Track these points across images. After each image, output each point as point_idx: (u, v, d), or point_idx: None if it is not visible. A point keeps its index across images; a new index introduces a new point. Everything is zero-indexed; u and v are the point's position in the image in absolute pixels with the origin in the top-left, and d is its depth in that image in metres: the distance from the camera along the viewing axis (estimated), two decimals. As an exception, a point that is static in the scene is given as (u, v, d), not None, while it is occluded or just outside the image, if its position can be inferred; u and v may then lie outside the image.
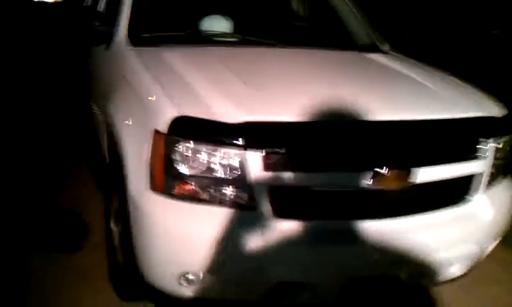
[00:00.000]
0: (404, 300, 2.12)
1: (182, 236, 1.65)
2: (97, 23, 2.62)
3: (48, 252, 2.45)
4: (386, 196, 1.74)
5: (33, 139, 4.04)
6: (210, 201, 1.65)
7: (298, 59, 2.46)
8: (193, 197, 1.65)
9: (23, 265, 2.34)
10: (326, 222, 1.71)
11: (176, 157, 1.62)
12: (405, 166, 1.73)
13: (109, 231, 2.24)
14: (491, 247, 2.03)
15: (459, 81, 2.34)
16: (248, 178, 1.61)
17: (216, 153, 1.61)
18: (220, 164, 1.62)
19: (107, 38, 2.56)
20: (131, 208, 1.77)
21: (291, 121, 1.68)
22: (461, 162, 1.87)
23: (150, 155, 1.69)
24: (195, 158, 1.62)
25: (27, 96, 5.15)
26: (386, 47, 2.87)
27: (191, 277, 1.66)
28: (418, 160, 1.75)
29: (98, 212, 2.53)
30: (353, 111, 1.74)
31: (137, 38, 2.41)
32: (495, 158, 1.95)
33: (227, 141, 1.61)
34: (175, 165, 1.63)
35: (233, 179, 1.63)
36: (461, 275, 2.02)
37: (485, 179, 1.93)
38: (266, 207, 1.63)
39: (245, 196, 1.63)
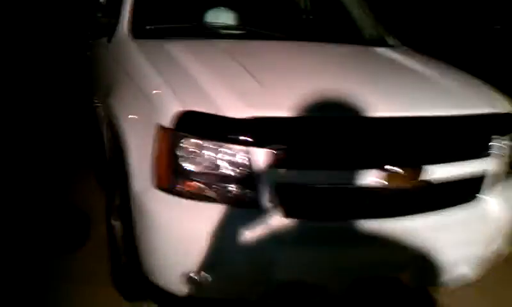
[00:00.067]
0: (412, 302, 2.08)
1: (186, 235, 1.61)
2: (99, 15, 2.58)
3: (50, 250, 2.42)
4: (395, 194, 1.70)
5: (35, 134, 4.01)
6: (215, 199, 1.61)
7: (306, 52, 2.41)
8: (198, 195, 1.61)
9: (24, 263, 2.32)
10: (333, 222, 1.67)
11: (181, 153, 1.58)
12: (416, 164, 1.69)
13: (110, 229, 2.20)
14: (507, 249, 1.99)
15: (469, 77, 2.29)
16: (254, 175, 1.57)
17: (221, 149, 1.58)
18: (226, 160, 1.58)
19: (110, 30, 2.52)
20: (134, 206, 1.73)
21: (299, 117, 1.64)
22: (473, 160, 1.83)
23: (153, 151, 1.65)
24: (200, 154, 1.58)
25: (28, 90, 5.11)
26: (393, 41, 2.82)
27: (194, 276, 1.62)
28: (430, 157, 1.72)
29: (101, 208, 2.49)
30: (363, 107, 1.70)
31: (140, 31, 2.37)
32: (509, 156, 1.91)
33: (233, 137, 1.57)
34: (180, 162, 1.59)
35: (239, 176, 1.59)
36: (476, 278, 1.98)
37: (497, 177, 1.89)
38: (273, 205, 1.59)
39: (251, 193, 1.60)
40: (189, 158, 1.58)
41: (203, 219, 1.59)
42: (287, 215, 1.60)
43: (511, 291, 2.40)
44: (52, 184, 3.16)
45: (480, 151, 1.86)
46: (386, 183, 1.64)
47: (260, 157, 1.56)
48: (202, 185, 1.60)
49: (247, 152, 1.56)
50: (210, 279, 1.61)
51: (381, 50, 2.63)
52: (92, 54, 3.11)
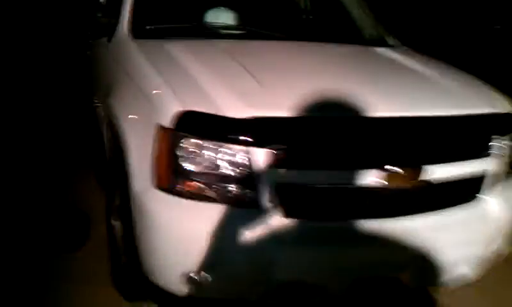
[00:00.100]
0: (412, 302, 2.08)
1: (186, 235, 1.61)
2: (99, 15, 2.57)
3: (50, 250, 2.42)
4: (395, 194, 1.70)
5: (35, 134, 4.00)
6: (216, 199, 1.60)
7: (306, 52, 2.41)
8: (198, 195, 1.60)
9: (24, 263, 2.31)
10: (333, 222, 1.67)
11: (181, 153, 1.58)
12: (416, 164, 1.69)
13: (110, 229, 2.19)
14: (507, 249, 1.99)
15: (469, 77, 2.29)
16: (254, 175, 1.57)
17: (221, 149, 1.57)
18: (226, 160, 1.58)
19: (110, 30, 2.51)
20: (134, 206, 1.72)
21: (299, 117, 1.63)
22: (473, 160, 1.83)
23: (153, 151, 1.64)
24: (200, 154, 1.58)
25: (28, 90, 5.10)
26: (393, 41, 2.82)
27: (194, 276, 1.62)
28: (430, 157, 1.71)
29: (101, 208, 2.48)
30: (363, 107, 1.69)
31: (140, 30, 2.36)
32: (509, 156, 1.91)
33: (233, 137, 1.56)
34: (180, 162, 1.58)
35: (239, 176, 1.59)
36: (476, 278, 1.98)
37: (497, 177, 1.89)
38: (273, 205, 1.59)
39: (251, 193, 1.59)
40: (189, 158, 1.58)
41: (203, 219, 1.58)
42: (287, 215, 1.60)
43: (511, 291, 2.40)
44: (52, 184, 3.16)
45: (480, 151, 1.85)
46: (386, 183, 1.64)
47: (260, 157, 1.55)
48: (202, 185, 1.59)
49: (247, 152, 1.56)
50: (210, 279, 1.61)
51: (381, 50, 2.62)
52: (92, 53, 3.10)
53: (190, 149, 1.58)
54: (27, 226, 2.62)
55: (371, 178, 1.63)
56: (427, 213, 1.75)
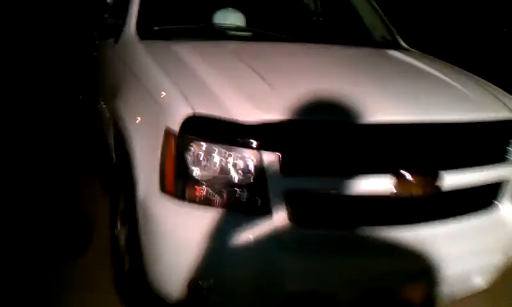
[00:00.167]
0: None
1: (193, 242, 1.55)
2: (106, 16, 2.54)
3: (53, 256, 2.38)
4: (410, 201, 1.65)
5: (37, 136, 3.98)
6: (224, 205, 1.56)
7: (316, 55, 2.36)
8: (206, 201, 1.56)
9: (26, 269, 2.28)
10: (345, 230, 1.62)
11: (189, 157, 1.54)
12: (432, 170, 1.64)
13: (114, 234, 2.16)
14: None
15: (483, 81, 2.25)
16: (264, 181, 1.52)
17: (231, 154, 1.53)
18: (235, 165, 1.53)
19: (116, 30, 2.49)
20: (139, 211, 1.68)
21: (311, 121, 1.59)
22: (490, 166, 1.78)
23: (160, 155, 1.60)
24: (209, 158, 1.54)
25: (34, 91, 5.10)
26: (405, 44, 2.78)
27: (201, 285, 1.57)
28: (446, 163, 1.67)
29: (105, 213, 2.44)
30: (378, 111, 1.65)
31: (147, 31, 2.33)
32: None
33: (243, 142, 1.52)
34: (188, 167, 1.54)
35: (249, 182, 1.54)
36: (487, 286, 1.92)
37: (515, 184, 1.84)
38: (282, 213, 1.54)
39: (260, 200, 1.55)
40: (197, 162, 1.54)
41: (211, 226, 1.53)
42: (298, 222, 1.56)
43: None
44: (55, 187, 3.13)
45: (497, 156, 1.82)
46: (401, 190, 1.59)
47: (271, 161, 1.51)
48: (211, 191, 1.55)
49: (258, 157, 1.51)
50: (218, 288, 1.56)
51: (393, 52, 2.58)
52: (99, 54, 3.08)
53: (199, 154, 1.53)
54: (30, 231, 2.59)
55: (385, 184, 1.59)
56: (441, 221, 1.71)
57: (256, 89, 1.72)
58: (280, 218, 1.54)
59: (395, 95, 1.83)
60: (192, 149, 1.53)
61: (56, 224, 2.67)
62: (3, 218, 2.65)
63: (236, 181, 1.54)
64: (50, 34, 6.00)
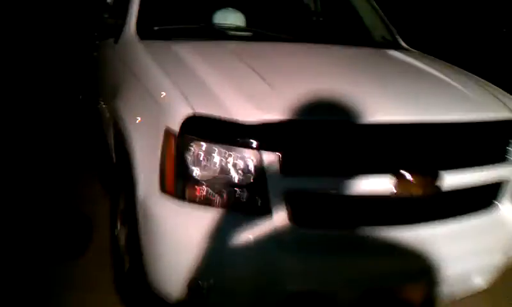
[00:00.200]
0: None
1: (192, 242, 1.55)
2: (106, 16, 2.54)
3: (53, 256, 2.38)
4: (410, 201, 1.64)
5: (37, 136, 3.98)
6: (224, 205, 1.56)
7: (316, 55, 2.35)
8: (206, 201, 1.56)
9: (26, 269, 2.28)
10: (345, 230, 1.62)
11: (189, 157, 1.53)
12: (432, 170, 1.64)
13: (114, 234, 2.15)
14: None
15: (484, 81, 2.25)
16: (264, 181, 1.52)
17: (232, 154, 1.52)
18: (235, 165, 1.53)
19: (117, 31, 2.48)
20: (139, 211, 1.68)
21: (311, 121, 1.59)
22: (490, 166, 1.78)
23: (160, 155, 1.60)
24: (210, 158, 1.53)
25: (33, 91, 5.09)
26: (405, 44, 2.77)
27: (202, 285, 1.56)
28: (446, 163, 1.67)
29: (105, 212, 2.44)
30: (378, 111, 1.64)
31: (147, 31, 2.32)
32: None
33: (243, 142, 1.52)
34: (188, 167, 1.54)
35: (249, 182, 1.54)
36: (487, 286, 1.92)
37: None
38: (282, 213, 1.54)
39: (260, 200, 1.54)
40: (198, 162, 1.53)
41: (211, 226, 1.53)
42: (299, 222, 1.55)
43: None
44: (55, 187, 3.12)
45: (497, 156, 1.81)
46: (401, 190, 1.59)
47: (272, 161, 1.50)
48: (211, 191, 1.55)
49: (258, 156, 1.51)
50: (218, 288, 1.56)
51: (393, 52, 2.58)
52: (99, 54, 3.07)
53: (199, 154, 1.53)
54: (30, 230, 2.58)
55: (384, 184, 1.58)
56: (442, 221, 1.71)
57: (257, 89, 1.71)
58: (280, 218, 1.54)
59: (395, 95, 1.82)
60: (192, 149, 1.53)
61: (56, 224, 2.66)
62: (3, 218, 2.64)
63: (236, 181, 1.53)
64: (50, 34, 5.99)
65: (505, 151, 1.83)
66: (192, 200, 1.56)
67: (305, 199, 1.58)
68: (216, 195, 1.55)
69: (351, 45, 2.60)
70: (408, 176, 1.58)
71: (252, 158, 1.52)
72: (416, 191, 1.62)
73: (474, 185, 1.74)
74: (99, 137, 2.92)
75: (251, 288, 1.57)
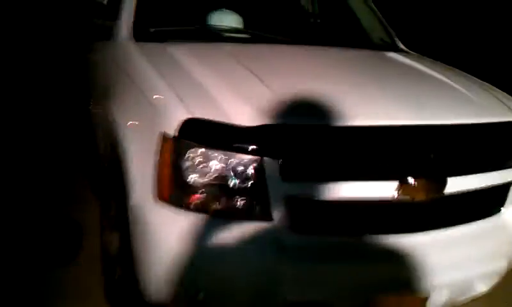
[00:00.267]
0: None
1: (188, 251, 1.49)
2: (100, 17, 2.49)
3: (42, 262, 2.31)
4: (414, 208, 1.61)
5: (28, 140, 3.91)
6: (222, 212, 1.51)
7: (315, 57, 2.31)
8: (203, 208, 1.50)
9: (16, 276, 2.21)
10: (347, 237, 1.57)
11: (186, 163, 1.48)
12: (438, 175, 1.60)
13: (104, 241, 2.09)
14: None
15: (486, 84, 2.22)
16: (264, 187, 1.47)
17: (229, 159, 1.47)
18: (234, 171, 1.48)
19: (111, 32, 2.43)
20: (132, 218, 1.63)
21: (312, 125, 1.55)
22: (496, 171, 1.76)
23: (155, 160, 1.54)
24: (207, 164, 1.48)
25: (25, 93, 5.03)
26: (403, 46, 2.75)
27: (197, 295, 1.51)
28: (452, 169, 1.64)
29: (95, 218, 2.38)
30: (381, 115, 1.61)
31: (142, 33, 2.27)
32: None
33: (242, 146, 1.47)
34: (184, 173, 1.48)
35: (248, 188, 1.49)
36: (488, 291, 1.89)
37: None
38: (283, 219, 1.49)
39: (260, 206, 1.50)
40: (194, 168, 1.48)
41: (208, 234, 1.48)
42: (299, 230, 1.51)
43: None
44: (44, 192, 3.05)
45: (503, 161, 1.79)
46: (406, 196, 1.56)
47: (271, 167, 1.46)
48: (208, 198, 1.50)
49: (256, 162, 1.46)
50: (214, 298, 1.51)
51: (392, 55, 2.55)
52: (93, 56, 3.02)
53: (196, 159, 1.48)
54: (19, 237, 2.51)
55: (389, 190, 1.54)
56: (447, 228, 1.67)
57: (255, 91, 1.66)
58: (280, 225, 1.49)
59: (396, 98, 1.78)
60: (189, 154, 1.48)
61: (46, 231, 2.60)
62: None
63: (235, 187, 1.49)
64: (44, 35, 5.94)
65: (511, 156, 1.80)
66: (189, 207, 1.50)
67: (307, 206, 1.53)
68: (214, 202, 1.50)
69: (349, 47, 2.56)
70: (412, 181, 1.54)
71: (251, 163, 1.47)
72: (422, 197, 1.58)
73: (480, 191, 1.71)
74: (91, 141, 2.85)
75: (250, 297, 1.52)
